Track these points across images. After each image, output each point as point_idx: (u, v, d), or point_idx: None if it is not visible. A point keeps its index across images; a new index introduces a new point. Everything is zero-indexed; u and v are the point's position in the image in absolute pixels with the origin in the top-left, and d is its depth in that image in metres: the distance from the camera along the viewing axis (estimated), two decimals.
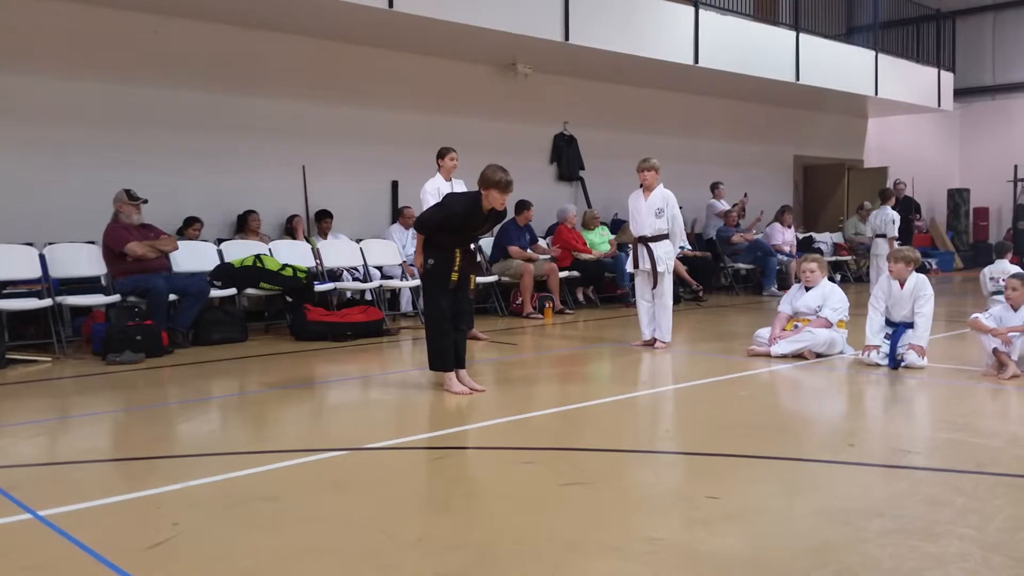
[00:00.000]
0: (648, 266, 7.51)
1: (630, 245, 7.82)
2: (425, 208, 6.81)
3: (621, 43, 11.35)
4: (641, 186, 7.64)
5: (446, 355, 5.67)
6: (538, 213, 11.10)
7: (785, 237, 13.72)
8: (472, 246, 5.86)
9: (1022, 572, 2.75)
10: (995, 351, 6.03)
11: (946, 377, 6.20)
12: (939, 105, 17.40)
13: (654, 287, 7.57)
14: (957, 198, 19.41)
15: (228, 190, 9.69)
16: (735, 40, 12.93)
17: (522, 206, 10.60)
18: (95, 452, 4.49)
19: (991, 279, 9.37)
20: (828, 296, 7.03)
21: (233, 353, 7.54)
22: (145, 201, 7.99)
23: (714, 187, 14.02)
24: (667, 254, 7.56)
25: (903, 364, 6.35)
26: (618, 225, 12.30)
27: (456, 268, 5.60)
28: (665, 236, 7.55)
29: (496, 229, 10.36)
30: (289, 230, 9.90)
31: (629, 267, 7.76)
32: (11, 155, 8.38)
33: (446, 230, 5.61)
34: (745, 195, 14.28)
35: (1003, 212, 19.48)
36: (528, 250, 10.50)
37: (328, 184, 10.40)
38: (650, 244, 7.50)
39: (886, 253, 9.23)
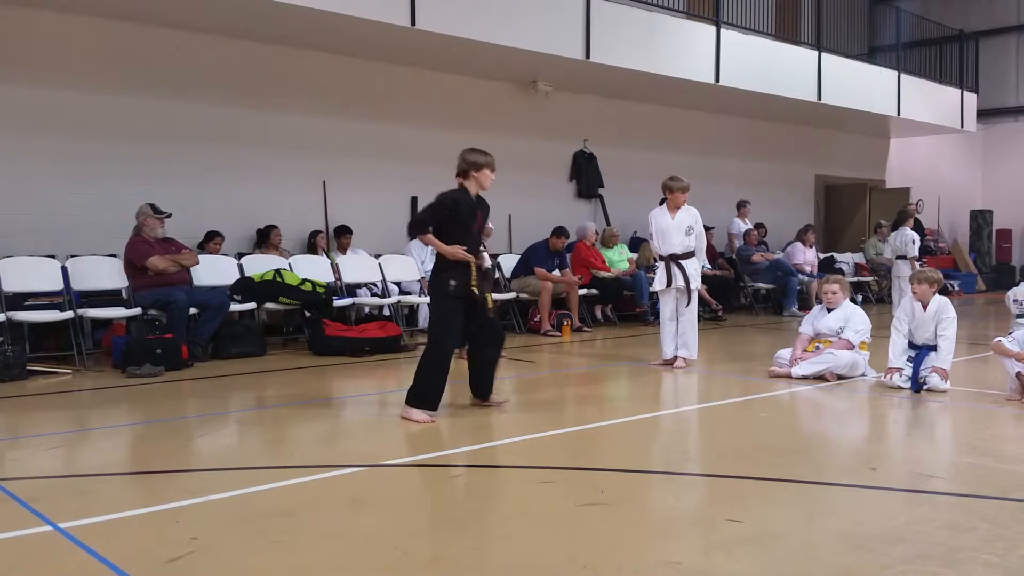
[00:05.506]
0: (682, 283, 7.48)
1: (655, 264, 7.75)
2: None
3: (642, 61, 11.37)
4: (663, 203, 7.62)
5: (437, 394, 5.34)
6: None
7: (806, 257, 13.61)
8: (488, 264, 5.73)
9: None
10: (1018, 375, 5.96)
11: (969, 401, 6.13)
12: (962, 126, 17.30)
13: (687, 304, 7.54)
14: (980, 219, 19.26)
15: (249, 205, 9.77)
16: (757, 59, 12.92)
17: (557, 233, 10.52)
18: (114, 465, 4.51)
19: (1015, 301, 9.27)
20: (850, 317, 6.99)
21: (252, 367, 7.57)
22: (169, 215, 8.07)
23: (740, 205, 13.97)
24: (697, 271, 7.60)
25: (925, 387, 6.29)
26: (637, 243, 12.26)
27: (474, 281, 5.33)
28: (692, 253, 7.55)
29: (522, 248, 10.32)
30: (311, 246, 9.95)
31: (659, 286, 7.62)
32: (34, 168, 8.49)
33: (447, 232, 5.34)
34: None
35: None
36: (555, 273, 10.39)
37: (348, 200, 10.46)
38: (680, 261, 7.48)
39: (907, 274, 9.16)
